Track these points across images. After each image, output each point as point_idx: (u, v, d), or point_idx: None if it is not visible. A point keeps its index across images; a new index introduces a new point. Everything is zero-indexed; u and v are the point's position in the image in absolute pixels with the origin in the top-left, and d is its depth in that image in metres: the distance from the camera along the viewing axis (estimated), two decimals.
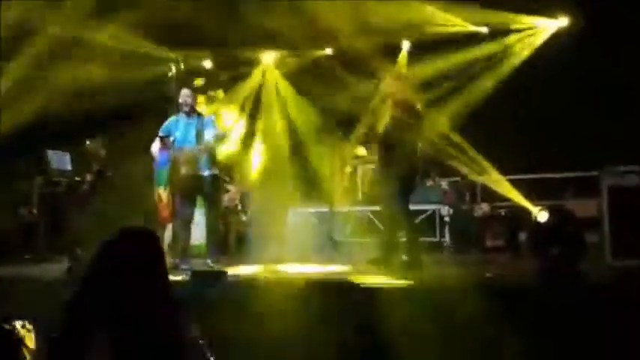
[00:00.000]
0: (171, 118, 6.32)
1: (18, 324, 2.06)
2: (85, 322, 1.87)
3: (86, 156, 7.32)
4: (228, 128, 8.44)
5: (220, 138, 6.23)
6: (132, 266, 1.91)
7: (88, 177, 7.11)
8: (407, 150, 5.82)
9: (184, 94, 6.30)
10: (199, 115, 6.35)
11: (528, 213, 6.90)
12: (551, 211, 5.25)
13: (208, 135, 6.18)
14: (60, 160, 7.71)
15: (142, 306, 1.88)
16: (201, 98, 8.21)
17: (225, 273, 5.13)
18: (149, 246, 1.98)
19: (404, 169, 5.78)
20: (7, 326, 2.02)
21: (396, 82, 6.14)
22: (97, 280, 1.92)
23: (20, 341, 2.01)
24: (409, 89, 6.16)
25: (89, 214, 6.88)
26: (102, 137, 7.41)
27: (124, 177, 7.40)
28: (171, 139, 6.05)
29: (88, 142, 7.29)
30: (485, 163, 7.57)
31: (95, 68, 8.00)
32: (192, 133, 6.18)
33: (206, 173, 6.19)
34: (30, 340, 2.04)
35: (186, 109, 6.22)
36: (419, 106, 6.00)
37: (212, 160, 6.27)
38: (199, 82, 9.35)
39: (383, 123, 6.13)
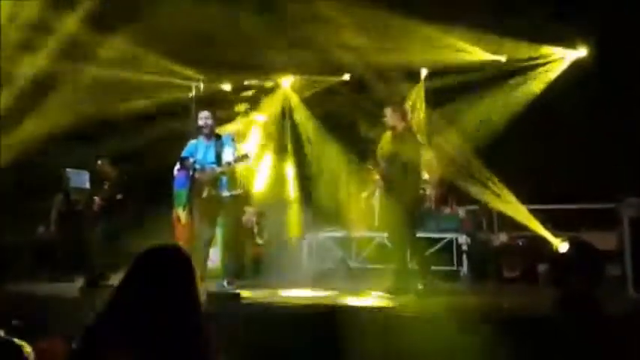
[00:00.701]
0: (191, 143, 6.35)
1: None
2: (112, 338, 1.85)
3: (99, 175, 7.36)
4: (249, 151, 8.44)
5: (242, 160, 6.18)
6: (163, 282, 1.89)
7: (97, 200, 7.15)
8: (407, 181, 5.91)
9: (204, 115, 6.31)
10: (218, 136, 6.36)
11: (547, 244, 6.82)
12: (572, 242, 5.20)
13: (227, 153, 6.17)
14: (79, 178, 7.79)
15: (173, 321, 1.86)
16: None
17: (238, 295, 5.11)
18: (180, 262, 1.96)
19: (405, 200, 5.87)
20: (21, 343, 2.02)
21: (396, 114, 6.19)
22: (127, 296, 1.90)
23: (23, 355, 2.00)
24: (409, 122, 6.25)
25: (99, 235, 6.93)
26: (110, 157, 7.45)
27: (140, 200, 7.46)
28: (192, 160, 6.06)
29: (99, 162, 7.35)
30: (504, 192, 7.52)
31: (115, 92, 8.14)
32: (212, 155, 6.19)
33: (225, 194, 6.19)
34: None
35: (205, 131, 6.23)
36: (419, 140, 6.09)
37: (232, 180, 6.27)
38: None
39: (384, 153, 6.21)
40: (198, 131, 6.32)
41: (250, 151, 6.47)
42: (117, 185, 7.15)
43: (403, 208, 5.89)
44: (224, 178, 6.16)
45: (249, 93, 9.80)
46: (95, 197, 7.14)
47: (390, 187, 6.04)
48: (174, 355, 1.83)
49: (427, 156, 7.48)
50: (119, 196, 7.13)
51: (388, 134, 6.30)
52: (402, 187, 5.87)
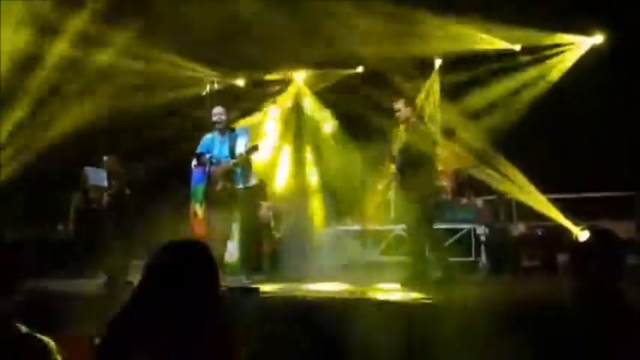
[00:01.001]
0: (206, 137, 6.35)
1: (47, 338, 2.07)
2: (135, 335, 1.86)
3: (108, 172, 7.42)
4: (261, 141, 8.42)
5: (252, 151, 6.16)
6: (183, 276, 1.90)
7: (105, 196, 7.22)
8: (420, 174, 5.87)
9: (217, 111, 6.32)
10: (232, 130, 6.36)
11: (565, 233, 6.76)
12: (593, 230, 5.14)
13: (240, 145, 6.17)
14: (97, 176, 7.84)
15: (193, 315, 1.87)
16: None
17: (257, 290, 5.13)
18: (201, 256, 1.96)
19: (420, 193, 5.84)
20: (43, 338, 2.03)
21: (408, 107, 6.16)
22: (148, 292, 1.91)
23: (51, 355, 2.01)
24: (422, 115, 6.21)
25: (109, 232, 6.99)
26: (119, 153, 7.51)
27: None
28: (208, 156, 6.08)
29: (105, 158, 7.41)
30: (523, 181, 7.46)
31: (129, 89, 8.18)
32: (227, 149, 6.20)
33: (240, 186, 6.20)
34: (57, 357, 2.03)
35: (219, 126, 6.24)
36: (432, 131, 6.04)
37: (247, 172, 6.24)
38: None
39: (397, 147, 6.18)
40: (212, 127, 6.33)
41: (259, 143, 6.42)
42: (124, 182, 7.23)
43: (418, 201, 5.87)
44: (238, 171, 6.14)
45: (263, 88, 9.82)
46: (104, 193, 7.21)
47: (404, 180, 6.02)
48: (197, 351, 1.83)
49: (442, 147, 7.44)
50: (127, 191, 7.22)
51: (401, 127, 6.27)
52: (417, 179, 5.85)
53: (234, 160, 6.08)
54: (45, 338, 2.02)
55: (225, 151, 6.20)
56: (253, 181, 6.35)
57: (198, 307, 1.88)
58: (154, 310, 1.85)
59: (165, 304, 1.86)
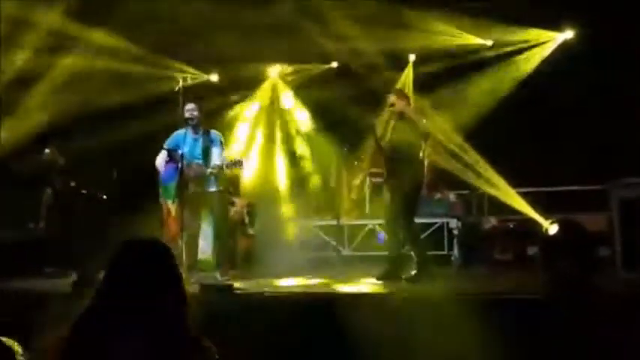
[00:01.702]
0: (178, 132, 6.27)
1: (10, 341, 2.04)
2: (98, 331, 1.85)
3: (45, 164, 7.34)
4: (241, 153, 8.42)
5: (234, 165, 6.12)
6: (143, 275, 1.91)
7: (48, 190, 7.15)
8: (410, 166, 5.85)
9: (190, 107, 6.18)
10: (206, 130, 6.26)
11: (537, 226, 6.87)
12: (562, 223, 5.23)
13: (216, 154, 6.09)
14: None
15: (155, 314, 1.88)
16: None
17: (231, 286, 5.11)
18: (159, 255, 1.98)
19: (407, 185, 5.82)
20: (6, 340, 2.00)
21: (401, 100, 6.14)
22: (110, 288, 1.92)
23: (12, 355, 1.99)
24: (412, 106, 6.17)
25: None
26: (58, 145, 7.43)
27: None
28: (179, 152, 6.01)
29: (47, 151, 7.31)
30: (494, 176, 7.55)
31: (102, 84, 8.09)
32: (199, 149, 6.10)
33: (212, 189, 6.15)
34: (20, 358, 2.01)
35: (192, 122, 6.15)
36: (422, 124, 5.99)
37: (219, 177, 6.19)
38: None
39: (387, 138, 6.16)
40: (185, 123, 6.24)
41: (242, 159, 6.38)
42: (67, 172, 7.18)
43: (404, 195, 5.84)
44: (211, 177, 6.11)
45: (237, 83, 9.76)
46: (48, 186, 7.17)
47: (392, 173, 5.99)
48: (163, 351, 1.84)
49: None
50: (72, 184, 7.16)
51: (392, 120, 6.24)
52: (406, 173, 5.83)
53: (210, 170, 5.99)
54: (8, 340, 1.99)
55: (198, 151, 6.10)
56: (224, 184, 6.33)
57: (161, 307, 1.89)
58: (116, 311, 1.86)
59: (126, 304, 1.87)
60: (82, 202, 7.27)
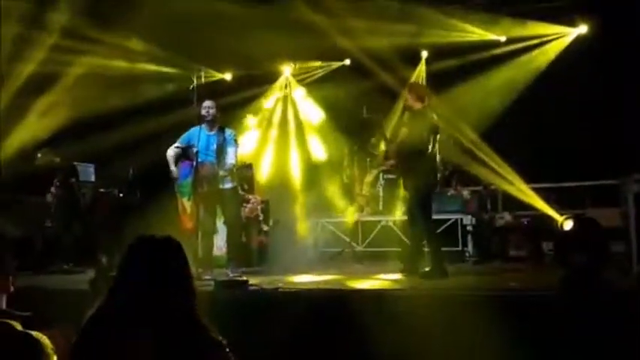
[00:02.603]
0: (193, 129, 6.31)
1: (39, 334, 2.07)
2: (111, 327, 1.89)
3: (44, 168, 7.43)
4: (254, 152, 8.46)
5: (247, 169, 6.23)
6: (154, 272, 1.95)
7: (52, 189, 7.24)
8: (422, 162, 5.80)
9: (207, 105, 6.21)
10: (221, 128, 6.28)
11: (551, 222, 6.83)
12: (577, 219, 5.21)
13: (230, 153, 6.14)
14: (85, 172, 7.84)
15: (166, 309, 1.91)
16: None
17: (246, 282, 5.15)
18: (171, 252, 2.02)
19: (420, 181, 5.78)
20: (36, 334, 2.03)
21: (410, 95, 6.11)
22: (122, 286, 1.95)
23: (44, 351, 2.02)
24: (426, 102, 6.11)
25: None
26: (51, 147, 7.51)
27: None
28: (194, 150, 6.05)
29: (39, 155, 7.39)
30: (508, 172, 7.52)
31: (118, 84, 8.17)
32: (214, 146, 6.12)
33: (227, 186, 6.18)
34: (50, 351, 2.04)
35: (208, 119, 6.19)
36: (434, 119, 5.96)
37: (232, 175, 6.24)
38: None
39: (400, 135, 6.14)
40: (200, 120, 6.28)
41: (251, 163, 6.46)
42: (67, 172, 7.27)
43: (417, 190, 5.82)
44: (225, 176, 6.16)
45: (250, 82, 9.80)
46: (52, 186, 7.25)
47: (404, 169, 5.98)
48: (173, 335, 1.87)
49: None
50: (73, 179, 7.23)
51: (405, 115, 6.22)
52: (418, 168, 5.79)
53: (223, 173, 6.03)
54: (37, 334, 2.03)
55: (212, 148, 6.11)
56: (237, 181, 6.38)
57: (172, 303, 1.93)
58: (127, 309, 1.90)
59: (138, 302, 1.90)
60: (98, 199, 7.34)
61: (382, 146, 7.66)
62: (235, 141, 6.32)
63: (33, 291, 5.20)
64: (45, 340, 2.01)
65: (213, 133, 6.20)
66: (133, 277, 1.96)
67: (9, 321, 2.01)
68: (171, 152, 6.21)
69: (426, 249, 5.95)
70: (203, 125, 6.19)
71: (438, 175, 8.16)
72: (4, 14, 6.73)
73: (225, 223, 6.50)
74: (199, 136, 6.13)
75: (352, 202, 8.53)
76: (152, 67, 8.71)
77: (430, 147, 5.83)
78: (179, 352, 1.87)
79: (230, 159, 6.12)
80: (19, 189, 7.16)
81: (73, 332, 2.03)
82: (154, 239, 2.05)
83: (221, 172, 6.02)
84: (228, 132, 6.33)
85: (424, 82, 9.14)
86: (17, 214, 6.96)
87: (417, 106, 5.97)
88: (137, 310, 1.89)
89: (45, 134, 7.57)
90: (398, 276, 5.82)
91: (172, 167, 6.18)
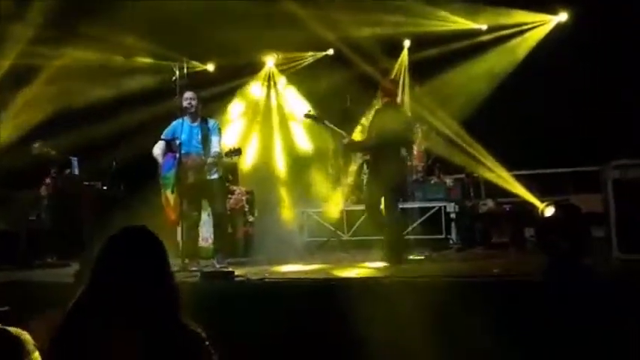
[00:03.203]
0: (176, 122, 6.29)
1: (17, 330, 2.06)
2: (90, 321, 1.89)
3: (39, 159, 7.39)
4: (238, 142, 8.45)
5: (233, 154, 6.22)
6: (133, 264, 1.95)
7: (47, 180, 7.23)
8: (390, 156, 5.94)
9: (188, 96, 6.20)
10: (204, 119, 6.28)
11: (533, 208, 6.92)
12: (558, 205, 5.28)
13: (214, 142, 6.14)
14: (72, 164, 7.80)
15: (146, 302, 1.91)
16: None
17: (232, 273, 5.16)
18: (148, 244, 2.02)
19: (392, 178, 5.89)
20: (16, 330, 2.02)
21: (383, 87, 6.23)
22: (100, 279, 1.95)
23: (24, 347, 2.01)
24: (394, 95, 6.25)
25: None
26: (46, 138, 7.48)
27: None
28: (177, 142, 6.04)
29: (35, 145, 7.36)
30: (489, 159, 7.60)
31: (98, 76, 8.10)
32: (198, 137, 6.12)
33: (213, 177, 6.18)
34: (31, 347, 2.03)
35: (190, 110, 6.17)
36: (404, 113, 6.10)
37: (218, 164, 6.23)
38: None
39: (370, 127, 6.24)
40: (182, 112, 6.26)
41: (240, 148, 6.44)
42: (61, 163, 7.25)
43: (390, 187, 5.93)
44: (211, 165, 6.14)
45: (234, 72, 9.76)
46: (46, 177, 7.21)
47: (374, 160, 6.07)
48: (155, 340, 1.87)
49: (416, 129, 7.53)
50: (68, 170, 7.21)
51: (378, 105, 6.32)
52: (386, 161, 5.91)
53: (210, 160, 6.01)
54: (18, 330, 2.01)
55: (196, 139, 6.11)
56: (223, 171, 6.37)
57: (150, 295, 1.92)
58: (107, 301, 1.89)
59: (117, 294, 1.90)
60: (83, 192, 7.30)
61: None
62: (219, 130, 6.32)
63: (17, 285, 5.18)
64: (26, 336, 2.00)
65: (196, 124, 6.19)
66: (109, 268, 1.95)
67: None
68: (157, 150, 6.19)
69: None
70: (186, 117, 6.19)
71: (421, 165, 8.28)
72: None
73: (211, 214, 6.51)
74: (182, 128, 6.12)
75: (337, 192, 8.55)
76: (134, 59, 8.64)
77: (401, 140, 5.98)
78: (157, 345, 1.86)
79: (215, 147, 6.12)
80: (4, 182, 7.10)
81: (58, 319, 2.02)
82: (130, 229, 2.04)
83: (208, 160, 6.01)
84: (212, 122, 6.33)
85: (406, 71, 9.20)
86: (2, 208, 6.92)
87: (385, 100, 6.12)
88: (114, 302, 1.89)
89: (27, 127, 7.49)
90: (383, 264, 5.87)
91: (160, 162, 6.19)
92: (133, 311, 1.89)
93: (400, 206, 7.49)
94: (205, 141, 6.11)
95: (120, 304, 1.89)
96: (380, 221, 6.12)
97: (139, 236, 2.03)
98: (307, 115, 7.02)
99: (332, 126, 6.79)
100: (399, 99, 6.26)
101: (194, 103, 6.17)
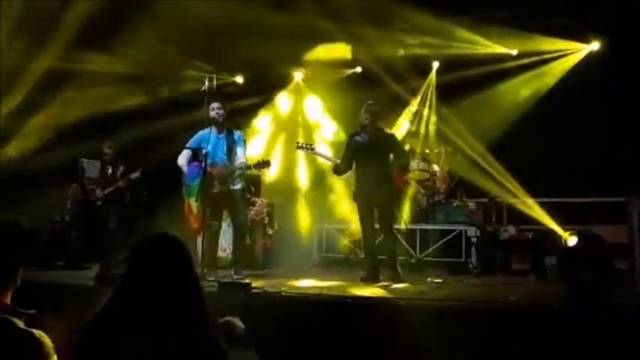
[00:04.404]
0: (202, 132, 6.37)
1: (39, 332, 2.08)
2: (115, 325, 1.91)
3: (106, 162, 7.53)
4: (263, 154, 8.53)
5: (262, 166, 6.32)
6: (160, 271, 1.97)
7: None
8: (387, 177, 6.21)
9: (216, 106, 6.29)
10: (229, 130, 6.36)
11: (555, 237, 6.84)
12: (581, 235, 5.22)
13: (240, 152, 6.22)
14: (93, 168, 7.91)
15: (173, 310, 1.92)
16: None
17: (249, 285, 5.18)
18: (175, 251, 2.03)
19: (389, 193, 6.26)
20: (37, 333, 2.05)
21: (366, 113, 6.33)
22: (128, 285, 1.97)
23: (43, 350, 2.03)
24: (384, 123, 6.38)
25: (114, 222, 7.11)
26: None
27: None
28: (204, 151, 6.11)
29: (108, 150, 7.54)
30: (514, 184, 7.54)
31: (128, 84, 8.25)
32: (224, 147, 6.20)
33: (237, 187, 6.25)
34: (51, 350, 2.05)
35: (219, 120, 6.24)
36: (393, 141, 6.39)
37: (242, 176, 6.31)
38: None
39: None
40: (209, 122, 6.35)
41: (269, 160, 6.52)
42: (123, 171, 7.35)
43: (391, 203, 6.42)
44: (237, 176, 6.23)
45: (262, 85, 9.86)
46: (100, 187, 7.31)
47: (373, 184, 6.22)
48: (180, 348, 1.88)
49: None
50: (120, 183, 7.31)
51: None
52: (382, 184, 6.20)
53: (237, 171, 6.15)
54: (39, 333, 2.03)
55: (222, 149, 6.19)
56: (244, 183, 6.46)
57: (177, 303, 1.93)
58: (132, 308, 1.91)
59: (142, 301, 1.91)
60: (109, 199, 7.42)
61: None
62: (244, 142, 6.42)
63: (40, 287, 5.25)
64: (46, 339, 2.01)
65: (222, 135, 6.27)
66: (137, 279, 1.97)
67: (11, 317, 2.01)
68: (182, 160, 6.28)
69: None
70: (212, 127, 6.27)
71: (444, 187, 8.25)
72: (25, 9, 6.82)
73: (232, 224, 6.56)
74: (209, 138, 6.20)
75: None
76: (165, 69, 8.78)
77: (392, 167, 6.30)
78: (182, 355, 1.87)
79: (241, 158, 6.21)
80: (30, 182, 7.23)
81: (72, 324, 2.04)
82: (157, 236, 2.06)
83: (236, 172, 6.13)
84: (237, 133, 6.42)
85: (434, 92, 9.22)
86: (28, 207, 7.03)
87: (369, 124, 6.32)
88: (142, 311, 1.90)
89: (58, 130, 7.64)
90: (401, 285, 5.85)
91: (185, 170, 6.27)
92: (160, 320, 1.89)
93: (417, 227, 7.57)
94: (230, 152, 6.19)
95: (147, 312, 1.90)
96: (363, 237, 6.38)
97: (167, 243, 2.04)
98: (299, 147, 7.04)
99: (324, 153, 7.11)
100: (381, 122, 6.44)
101: (221, 112, 6.26)
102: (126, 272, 2.00)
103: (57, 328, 2.15)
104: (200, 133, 6.36)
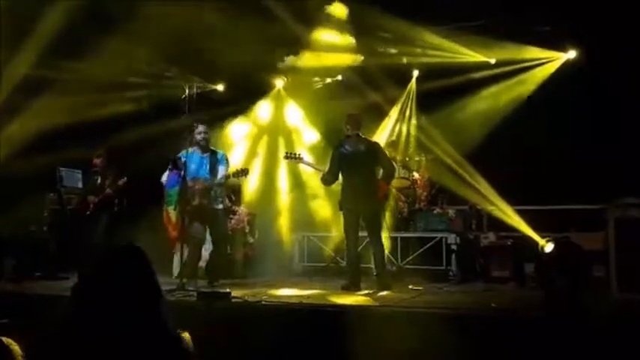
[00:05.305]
0: (185, 151, 6.40)
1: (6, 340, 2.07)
2: (76, 335, 1.91)
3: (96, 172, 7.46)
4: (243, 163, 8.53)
5: (241, 174, 6.37)
6: (120, 281, 1.98)
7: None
8: (372, 183, 6.31)
9: (201, 130, 6.53)
10: (213, 151, 6.59)
11: (534, 244, 6.89)
12: (557, 242, 5.28)
13: (221, 171, 6.42)
14: (71, 177, 7.83)
15: (132, 317, 1.93)
16: None
17: (229, 294, 5.15)
18: (136, 261, 2.05)
19: (374, 201, 6.35)
20: (4, 340, 2.04)
21: (352, 126, 6.42)
22: (88, 295, 1.99)
23: (11, 355, 2.02)
24: (353, 129, 6.44)
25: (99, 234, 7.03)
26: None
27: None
28: (183, 160, 6.14)
29: (97, 160, 7.43)
30: (492, 193, 7.59)
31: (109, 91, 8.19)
32: (207, 167, 6.42)
33: (218, 207, 6.46)
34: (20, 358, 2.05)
35: (202, 143, 6.47)
36: (377, 149, 6.47)
37: (223, 193, 6.55)
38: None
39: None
40: (192, 143, 6.45)
41: (248, 168, 6.60)
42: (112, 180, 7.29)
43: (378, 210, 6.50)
44: (217, 191, 6.39)
45: (243, 93, 9.84)
46: (90, 196, 7.23)
47: (358, 191, 6.29)
48: (138, 341, 1.90)
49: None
50: (109, 191, 7.25)
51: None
52: (368, 191, 6.31)
53: (217, 181, 6.33)
54: (8, 340, 2.02)
55: (205, 169, 6.41)
56: (226, 203, 6.58)
57: (136, 312, 1.95)
58: (93, 317, 1.92)
59: (102, 310, 1.93)
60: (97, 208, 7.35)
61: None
62: (227, 161, 6.66)
63: (15, 296, 5.18)
64: (15, 347, 2.01)
65: (206, 155, 6.50)
66: (98, 287, 1.98)
67: None
68: (165, 178, 6.39)
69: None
70: (195, 148, 6.38)
71: (424, 194, 8.30)
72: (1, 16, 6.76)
73: (212, 237, 6.64)
74: (192, 157, 6.41)
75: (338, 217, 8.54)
76: (145, 76, 8.74)
77: (376, 175, 6.42)
78: (141, 348, 1.89)
79: (221, 173, 6.41)
80: (8, 191, 7.13)
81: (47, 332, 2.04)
82: (116, 248, 2.08)
83: (216, 181, 6.30)
84: (220, 153, 6.67)
85: (414, 100, 9.28)
86: (4, 215, 6.94)
87: (349, 132, 6.40)
88: (102, 319, 1.91)
89: (36, 136, 7.56)
90: (382, 292, 5.86)
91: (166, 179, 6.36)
92: (121, 327, 1.91)
93: (397, 235, 7.60)
94: (213, 170, 6.41)
95: (106, 320, 1.92)
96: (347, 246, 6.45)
97: (126, 254, 2.06)
98: (287, 157, 7.15)
99: (311, 163, 7.21)
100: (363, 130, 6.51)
101: (206, 136, 6.54)
102: (83, 282, 2.02)
103: (28, 337, 2.13)
104: (183, 152, 6.42)
